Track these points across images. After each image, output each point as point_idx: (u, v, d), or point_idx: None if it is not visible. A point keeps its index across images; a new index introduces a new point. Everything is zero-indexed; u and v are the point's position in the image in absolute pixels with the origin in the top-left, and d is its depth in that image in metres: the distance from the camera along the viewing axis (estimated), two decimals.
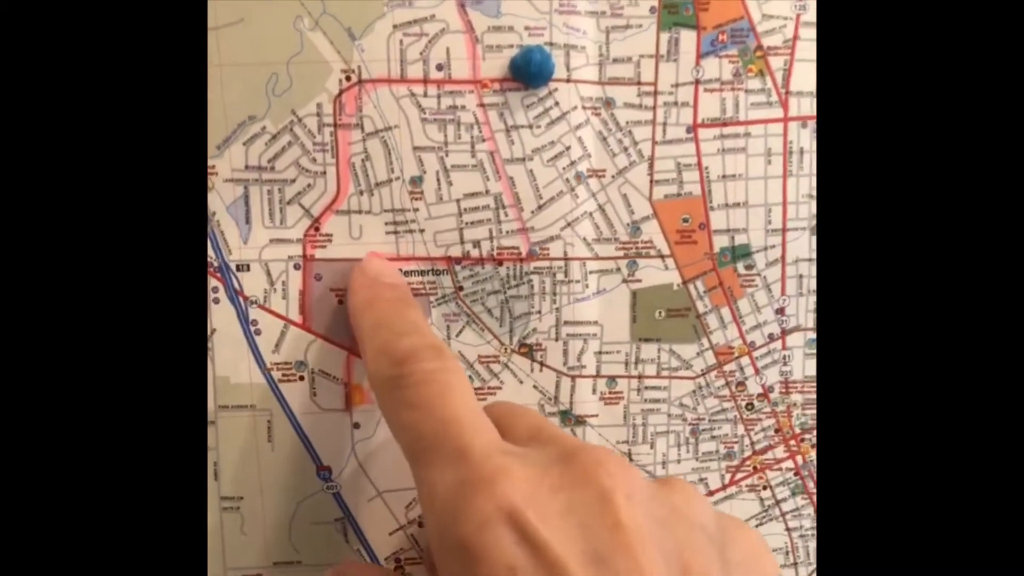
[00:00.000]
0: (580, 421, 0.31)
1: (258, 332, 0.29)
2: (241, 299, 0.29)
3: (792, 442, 0.33)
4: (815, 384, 0.32)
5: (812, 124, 0.30)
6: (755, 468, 0.33)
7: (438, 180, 0.29)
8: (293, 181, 0.29)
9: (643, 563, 0.19)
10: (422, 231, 0.30)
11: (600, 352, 0.31)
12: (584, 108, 0.29)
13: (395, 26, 0.28)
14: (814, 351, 0.32)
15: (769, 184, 0.31)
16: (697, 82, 0.30)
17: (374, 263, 0.29)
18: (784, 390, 0.32)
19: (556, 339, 0.31)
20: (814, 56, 0.30)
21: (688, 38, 0.29)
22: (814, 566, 0.34)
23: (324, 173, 0.29)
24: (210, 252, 0.29)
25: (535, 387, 0.31)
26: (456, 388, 0.23)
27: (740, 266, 0.31)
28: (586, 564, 0.19)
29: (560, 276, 0.30)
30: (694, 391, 0.32)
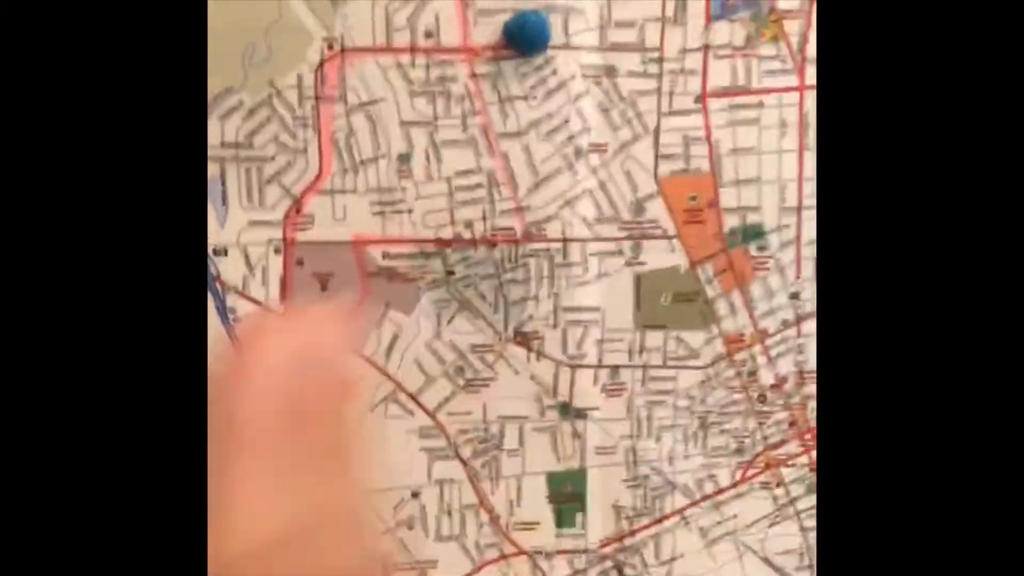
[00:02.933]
0: (581, 414, 0.30)
1: (237, 321, 0.28)
2: (219, 286, 0.28)
3: (807, 436, 0.31)
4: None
5: None
6: (768, 464, 0.31)
7: (427, 157, 0.28)
8: (272, 159, 0.27)
9: None
10: (410, 211, 0.28)
11: (602, 340, 0.30)
12: (584, 77, 0.28)
13: None
14: None
15: (783, 158, 0.29)
16: (706, 48, 0.28)
17: None
18: (799, 381, 0.31)
19: (554, 326, 0.29)
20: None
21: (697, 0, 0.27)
22: None
23: (305, 150, 0.27)
24: None
25: (532, 378, 0.29)
26: None
27: (752, 247, 0.30)
28: None
29: (558, 259, 0.29)
30: (703, 382, 0.30)
